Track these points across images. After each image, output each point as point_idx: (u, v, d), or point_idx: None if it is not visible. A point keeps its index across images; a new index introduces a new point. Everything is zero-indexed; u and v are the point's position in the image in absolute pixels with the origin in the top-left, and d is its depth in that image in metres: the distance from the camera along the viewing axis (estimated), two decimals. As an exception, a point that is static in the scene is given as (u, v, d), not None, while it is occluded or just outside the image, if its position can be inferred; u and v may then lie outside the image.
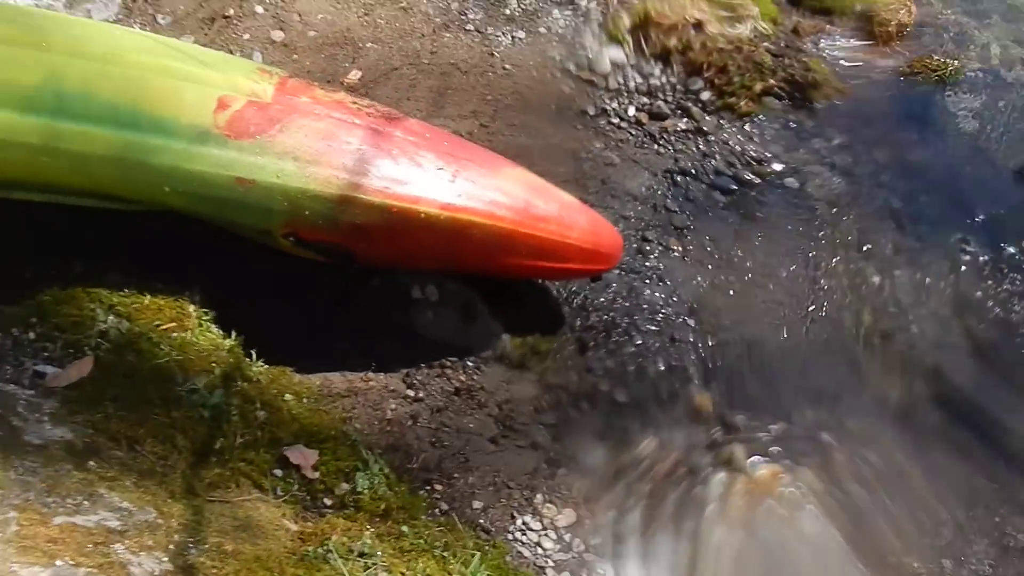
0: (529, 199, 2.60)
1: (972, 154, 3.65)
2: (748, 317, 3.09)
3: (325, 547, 2.05)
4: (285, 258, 2.61)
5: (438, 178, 2.50)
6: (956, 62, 3.86)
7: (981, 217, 3.45)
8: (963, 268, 3.28)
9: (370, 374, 2.72)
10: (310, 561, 2.00)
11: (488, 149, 2.77)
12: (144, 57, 2.42)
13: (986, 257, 3.33)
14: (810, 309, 3.11)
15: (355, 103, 2.60)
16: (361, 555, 2.06)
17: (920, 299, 3.17)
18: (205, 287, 2.62)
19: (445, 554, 2.18)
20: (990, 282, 3.26)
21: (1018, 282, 3.25)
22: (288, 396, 2.51)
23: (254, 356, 2.59)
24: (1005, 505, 2.79)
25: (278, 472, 2.25)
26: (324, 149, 2.44)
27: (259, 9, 3.52)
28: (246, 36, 3.52)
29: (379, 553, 2.08)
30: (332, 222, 2.46)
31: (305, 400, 2.56)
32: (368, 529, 2.18)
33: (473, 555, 2.21)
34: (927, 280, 3.22)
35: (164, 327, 2.44)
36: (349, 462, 2.32)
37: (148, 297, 2.50)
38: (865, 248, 3.29)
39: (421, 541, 2.18)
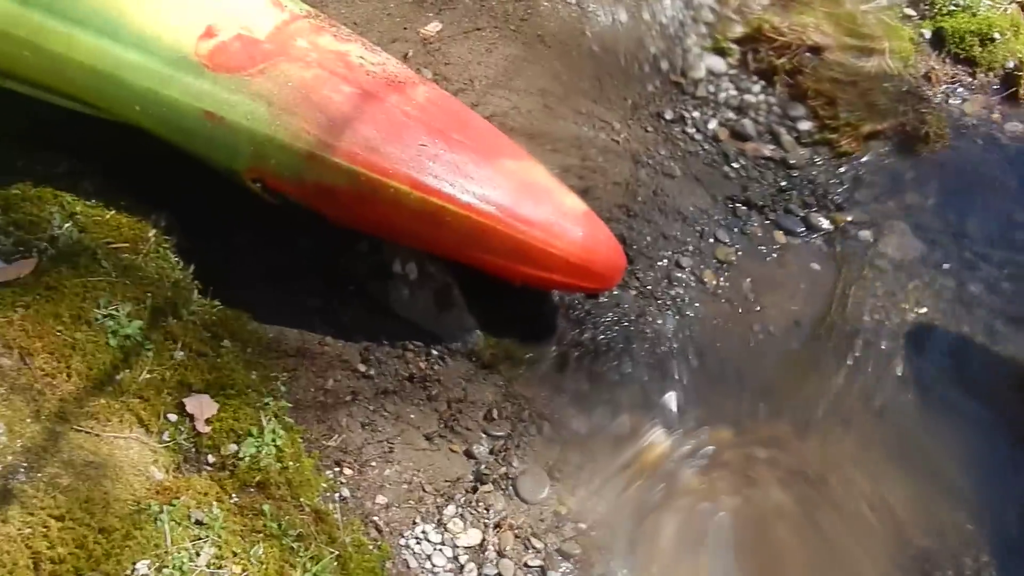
0: (519, 198, 2.42)
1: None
2: (762, 380, 2.78)
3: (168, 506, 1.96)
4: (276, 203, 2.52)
5: (418, 154, 2.35)
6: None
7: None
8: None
9: (328, 339, 2.61)
10: (140, 516, 1.91)
11: (501, 136, 2.58)
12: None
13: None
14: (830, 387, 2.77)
15: (361, 59, 2.47)
16: (198, 523, 1.96)
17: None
18: (175, 213, 2.56)
19: (296, 545, 2.05)
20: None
21: None
22: (227, 342, 2.42)
23: (210, 293, 2.50)
24: None
25: (172, 417, 2.18)
26: (301, 100, 2.33)
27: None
28: (343, -36, 3.42)
29: (220, 527, 1.97)
30: (298, 177, 2.36)
31: (249, 350, 2.47)
32: (230, 499, 2.08)
33: (330, 553, 2.07)
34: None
35: (115, 246, 2.40)
36: (246, 424, 2.22)
37: (111, 212, 2.46)
38: (920, 331, 2.90)
39: (275, 525, 2.05)
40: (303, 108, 2.32)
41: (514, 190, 2.43)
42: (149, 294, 2.35)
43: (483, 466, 2.48)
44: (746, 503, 2.53)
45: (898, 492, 2.57)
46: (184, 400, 2.22)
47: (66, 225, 2.40)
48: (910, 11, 3.60)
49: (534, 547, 2.36)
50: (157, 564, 1.85)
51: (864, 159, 3.28)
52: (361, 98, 2.38)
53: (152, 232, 2.49)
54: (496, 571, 2.31)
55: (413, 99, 2.46)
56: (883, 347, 2.83)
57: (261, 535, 2.04)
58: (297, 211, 2.48)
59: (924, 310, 2.94)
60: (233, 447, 2.20)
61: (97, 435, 2.06)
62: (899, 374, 2.78)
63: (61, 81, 2.38)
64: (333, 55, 2.43)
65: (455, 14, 3.44)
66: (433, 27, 3.39)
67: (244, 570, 1.93)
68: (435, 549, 2.33)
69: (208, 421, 2.21)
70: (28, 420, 1.99)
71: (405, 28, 3.36)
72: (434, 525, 2.36)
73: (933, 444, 2.66)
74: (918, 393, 2.75)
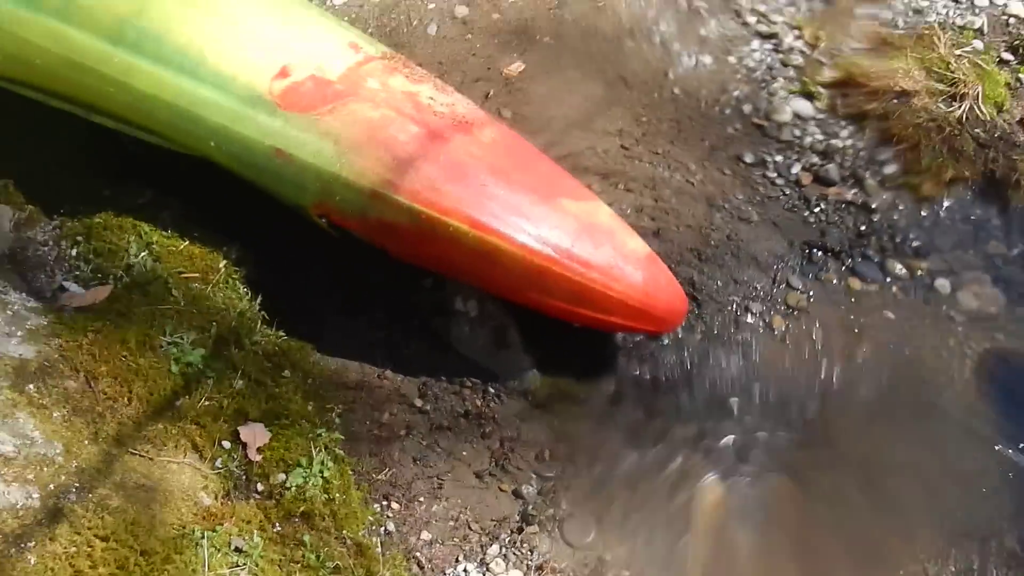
0: (577, 239, 2.42)
1: None
2: (828, 430, 2.72)
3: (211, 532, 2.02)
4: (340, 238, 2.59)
5: (478, 193, 2.37)
6: None
7: None
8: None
9: (388, 372, 2.66)
10: (182, 541, 1.98)
11: (566, 177, 2.59)
12: (230, 7, 2.44)
13: None
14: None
15: (431, 99, 2.51)
16: (237, 551, 2.02)
17: None
18: (246, 246, 2.64)
19: (333, 577, 2.09)
20: None
21: None
22: (287, 372, 2.49)
23: (275, 324, 2.57)
24: None
25: (226, 444, 2.25)
26: (367, 139, 2.38)
27: (455, -18, 3.46)
28: (431, 6, 3.51)
29: (259, 555, 2.02)
30: (361, 214, 2.42)
31: (309, 381, 2.54)
32: (273, 527, 2.13)
33: (366, 588, 2.10)
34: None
35: (187, 275, 2.50)
36: (296, 454, 2.28)
37: (185, 243, 2.56)
38: (996, 388, 2.79)
39: (313, 556, 2.09)
40: (368, 147, 2.37)
41: (573, 231, 2.43)
42: (214, 323, 2.43)
43: (531, 506, 2.47)
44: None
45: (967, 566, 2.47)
46: (239, 428, 2.28)
47: (142, 254, 2.51)
48: (1007, 55, 3.47)
49: (575, 593, 2.35)
50: (192, 589, 1.91)
51: (947, 205, 3.18)
52: (426, 138, 2.42)
53: (223, 263, 2.58)
54: (532, 617, 2.30)
55: (478, 139, 2.49)
56: (955, 402, 2.73)
57: (299, 565, 2.09)
58: (360, 245, 2.52)
59: (1001, 366, 2.82)
60: (282, 476, 2.25)
61: (151, 459, 2.14)
62: (970, 431, 2.67)
63: (142, 116, 2.49)
64: (403, 95, 2.48)
65: (538, 54, 3.47)
66: (516, 67, 3.42)
67: (276, 600, 1.98)
68: (475, 589, 2.33)
69: (260, 450, 2.27)
70: (86, 442, 2.08)
71: (488, 68, 3.41)
72: (476, 564, 2.37)
73: (1006, 513, 2.54)
74: (988, 454, 2.63)
